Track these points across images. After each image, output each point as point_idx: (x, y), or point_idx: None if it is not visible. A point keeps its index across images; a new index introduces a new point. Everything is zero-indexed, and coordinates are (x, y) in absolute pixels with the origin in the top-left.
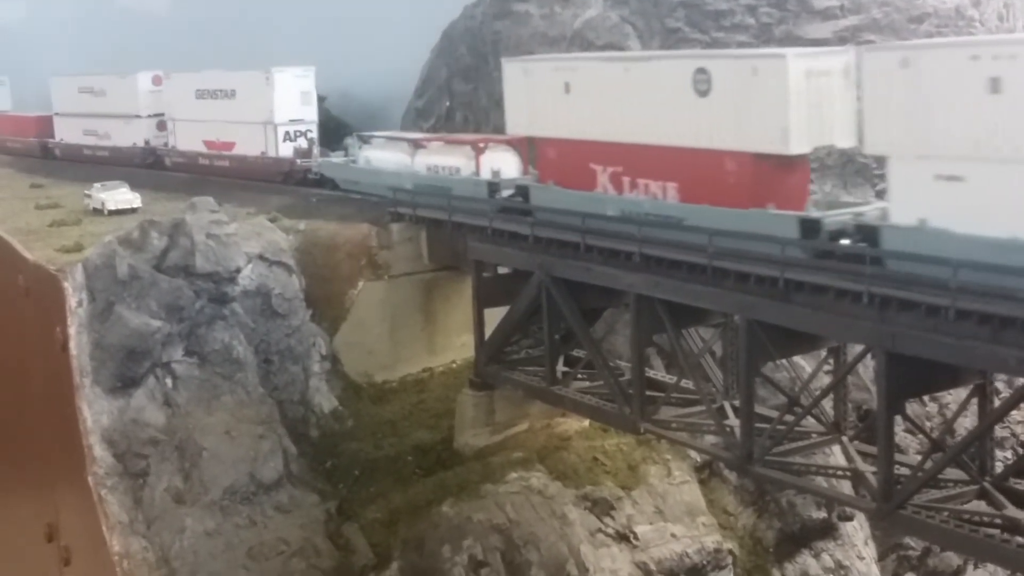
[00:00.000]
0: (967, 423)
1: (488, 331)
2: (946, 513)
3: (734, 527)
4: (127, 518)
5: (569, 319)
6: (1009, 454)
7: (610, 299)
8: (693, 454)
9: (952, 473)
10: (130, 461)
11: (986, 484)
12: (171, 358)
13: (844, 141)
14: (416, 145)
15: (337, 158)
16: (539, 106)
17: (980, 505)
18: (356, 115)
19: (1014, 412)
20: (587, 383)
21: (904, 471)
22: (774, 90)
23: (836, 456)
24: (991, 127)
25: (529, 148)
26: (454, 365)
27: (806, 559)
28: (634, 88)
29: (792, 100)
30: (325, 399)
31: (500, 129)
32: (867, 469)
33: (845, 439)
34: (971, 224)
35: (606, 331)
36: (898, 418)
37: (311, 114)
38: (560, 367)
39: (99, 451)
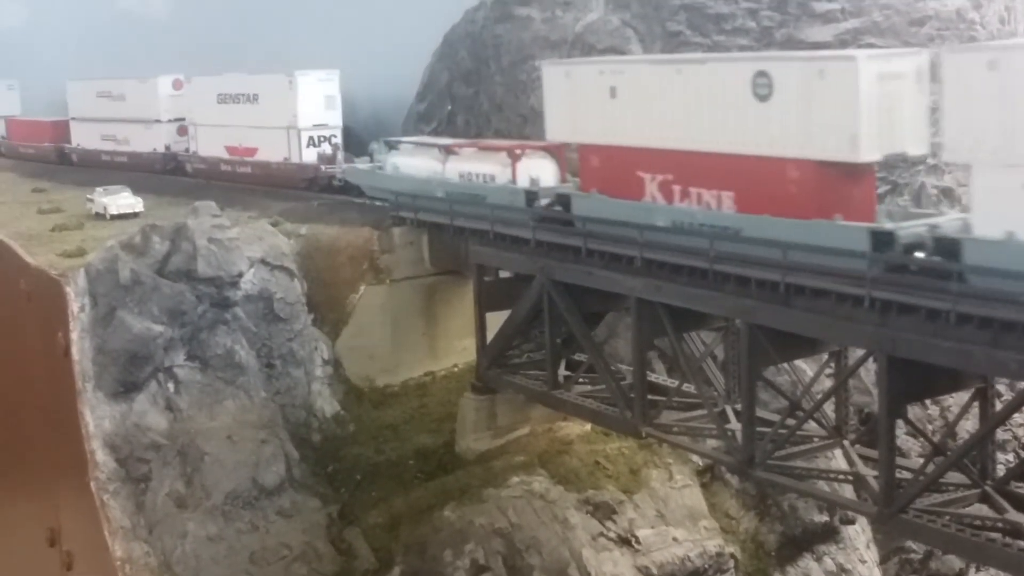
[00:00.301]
0: (968, 426)
1: (490, 335)
2: (948, 517)
3: (736, 531)
4: (129, 523)
5: (570, 323)
6: (1011, 457)
7: (611, 303)
8: (695, 458)
9: (954, 477)
10: (132, 466)
11: (988, 488)
12: (173, 363)
13: (915, 148)
14: (447, 151)
15: (363, 164)
16: (582, 111)
17: (982, 509)
18: (357, 119)
19: (1016, 415)
20: (589, 387)
21: (906, 475)
22: (843, 94)
23: (838, 460)
24: None
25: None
26: (456, 369)
27: (808, 563)
28: (687, 92)
29: (863, 105)
30: (327, 403)
31: (501, 133)
32: (869, 473)
33: (846, 443)
34: None
35: (607, 335)
36: (900, 422)
37: (335, 118)
38: (562, 371)
39: (101, 456)
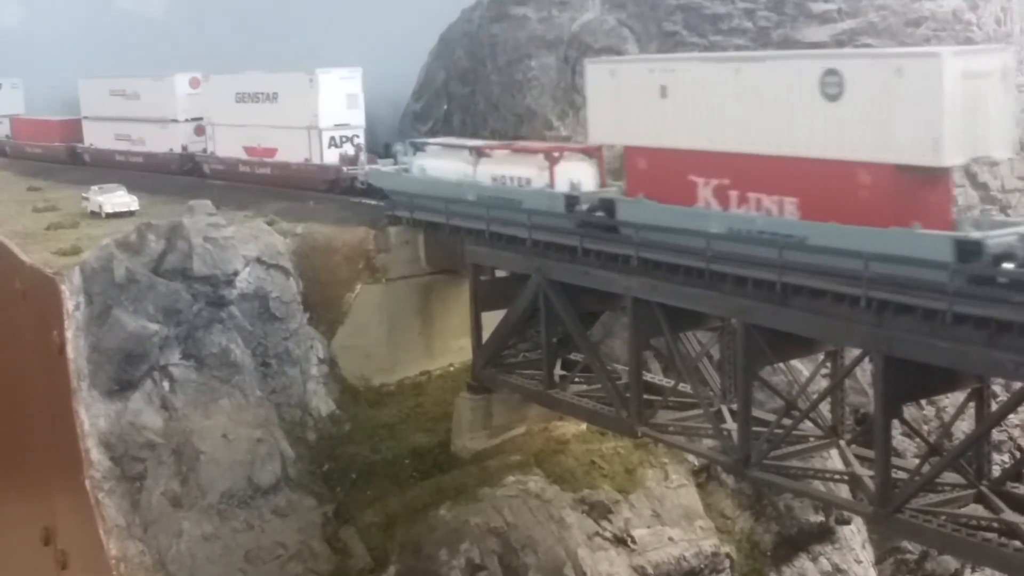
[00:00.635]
0: (964, 427)
1: (485, 334)
2: (943, 517)
3: (731, 531)
4: (124, 522)
5: (566, 322)
6: (1006, 458)
7: (607, 302)
8: (691, 458)
9: (949, 477)
10: (127, 464)
11: (983, 488)
12: (168, 361)
13: (1000, 151)
14: (479, 153)
15: (387, 166)
16: (629, 111)
17: (977, 509)
18: None
19: (1011, 416)
20: (584, 387)
21: (901, 475)
22: (925, 94)
23: (834, 460)
24: None
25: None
26: (451, 368)
27: (804, 563)
28: (746, 91)
29: (947, 105)
30: (323, 402)
31: (497, 133)
32: (864, 473)
33: (842, 443)
34: None
35: (603, 334)
36: (896, 422)
37: (358, 118)
38: (557, 370)
39: (96, 454)
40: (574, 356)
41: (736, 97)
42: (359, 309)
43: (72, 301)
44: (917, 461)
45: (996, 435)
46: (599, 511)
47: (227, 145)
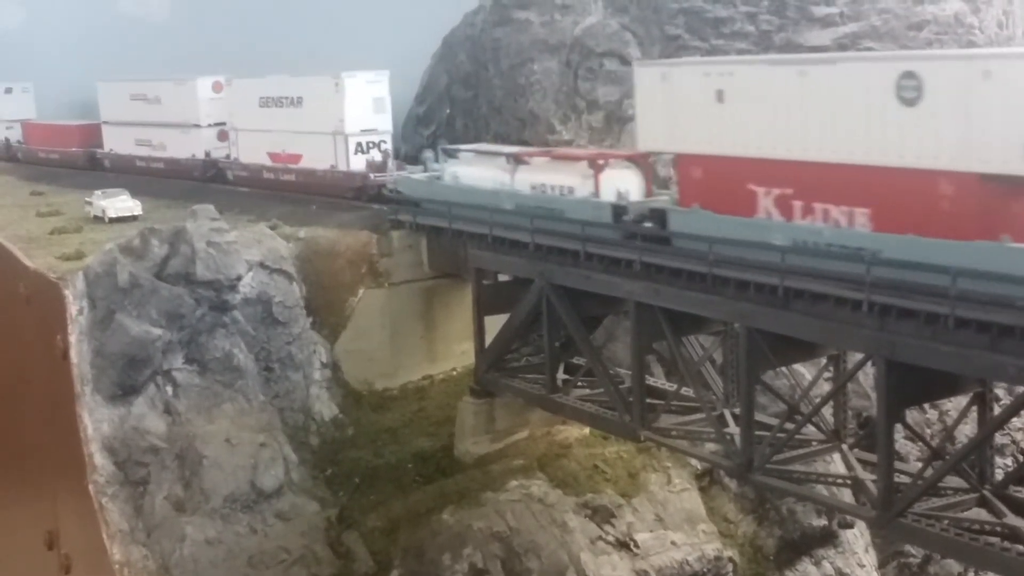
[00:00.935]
0: (967, 430)
1: (488, 339)
2: (946, 521)
3: (734, 535)
4: (127, 526)
5: (569, 327)
6: (1009, 461)
7: (610, 307)
8: (693, 462)
9: (952, 481)
10: (130, 469)
11: (986, 492)
12: (172, 366)
13: None
14: (517, 160)
15: (418, 174)
16: (682, 117)
17: (980, 513)
18: None
19: (1014, 419)
20: (587, 391)
21: (904, 479)
22: (1016, 97)
23: (836, 464)
24: None
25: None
26: (454, 373)
27: (807, 567)
28: (813, 96)
29: None
30: (325, 407)
31: (500, 137)
32: (867, 477)
33: (845, 447)
34: None
35: (606, 339)
36: (898, 426)
37: (385, 123)
38: (560, 375)
39: (99, 459)
40: (577, 360)
41: (801, 102)
42: (362, 313)
43: (76, 306)
44: (920, 465)
45: (999, 439)
46: (602, 515)
47: (251, 151)
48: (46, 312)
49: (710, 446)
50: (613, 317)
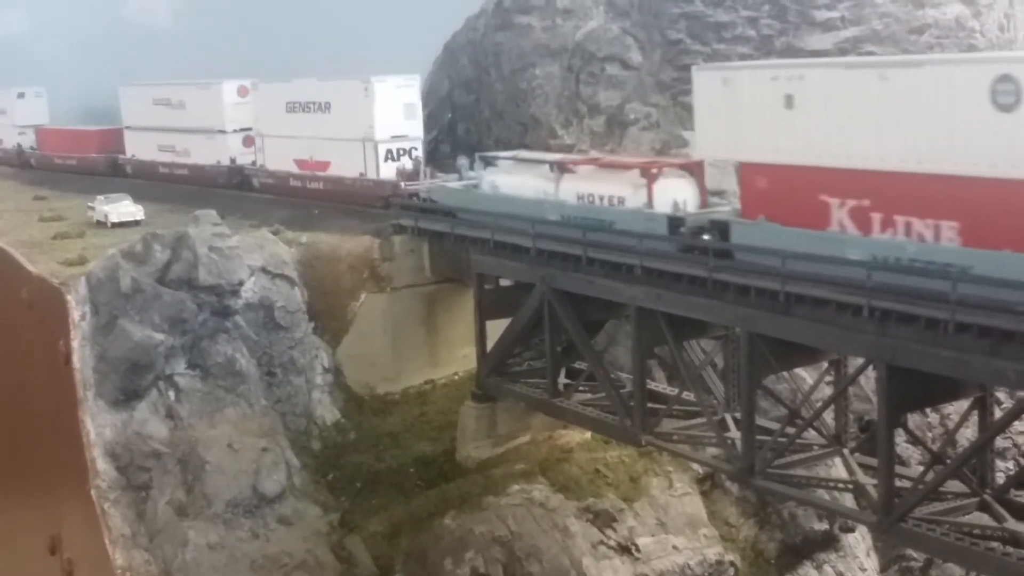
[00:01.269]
0: (968, 435)
1: (490, 343)
2: (947, 525)
3: (736, 539)
4: (130, 531)
5: (571, 331)
6: (1010, 466)
7: (611, 311)
8: (695, 466)
9: (953, 485)
10: (133, 474)
11: (987, 496)
12: (174, 371)
13: None
14: (561, 168)
15: (453, 183)
16: (746, 124)
17: (981, 517)
18: None
19: (1015, 423)
20: (589, 395)
21: (905, 483)
22: None
23: (837, 468)
24: None
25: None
26: (456, 377)
27: (808, 571)
28: (895, 101)
29: None
30: (327, 411)
31: (502, 142)
32: (868, 481)
33: (846, 451)
34: None
35: (607, 343)
36: (899, 430)
37: (416, 129)
38: (562, 379)
39: (102, 464)
40: (578, 365)
41: (881, 107)
42: (364, 318)
43: (78, 311)
44: (921, 469)
45: (1000, 443)
46: (603, 519)
47: (277, 158)
48: (48, 317)
49: (711, 450)
50: (615, 321)
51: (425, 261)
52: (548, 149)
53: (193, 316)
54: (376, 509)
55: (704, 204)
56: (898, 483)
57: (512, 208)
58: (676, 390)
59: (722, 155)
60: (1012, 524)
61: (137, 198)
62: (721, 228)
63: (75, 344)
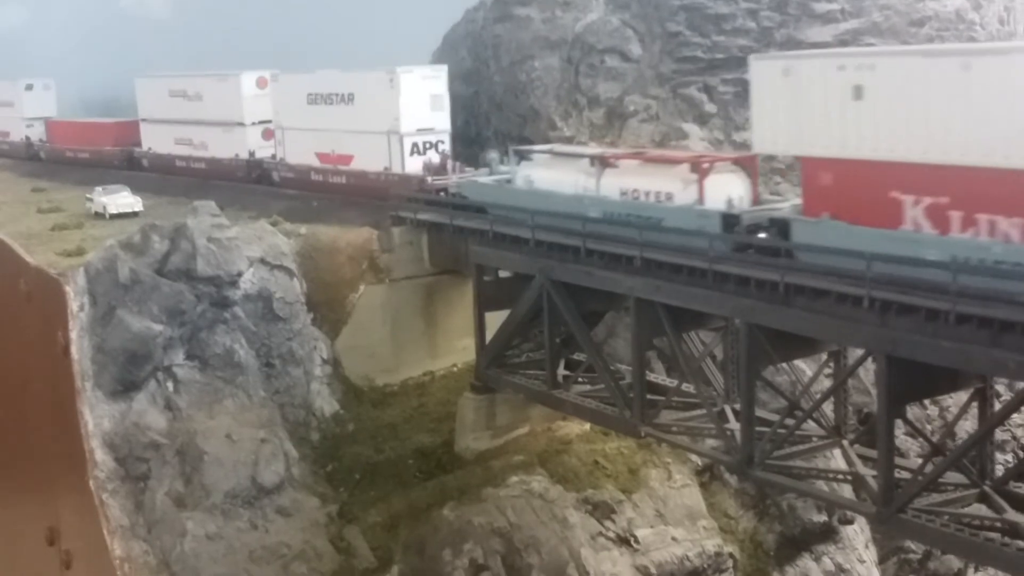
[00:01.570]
0: (967, 426)
1: (489, 335)
2: (946, 517)
3: (735, 530)
4: (128, 522)
5: (570, 323)
6: (1009, 457)
7: (611, 303)
8: (694, 458)
9: (952, 477)
10: (131, 465)
11: (986, 488)
12: (172, 362)
13: None
14: (602, 163)
15: (484, 177)
16: (809, 116)
17: (980, 509)
18: None
19: (1014, 415)
20: (588, 387)
21: (904, 475)
22: None
23: (837, 460)
24: None
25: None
26: (455, 369)
27: (807, 562)
28: (979, 91)
29: None
30: (326, 402)
31: (501, 134)
32: (867, 473)
33: (845, 443)
34: None
35: (607, 335)
36: (899, 421)
37: (443, 122)
38: (561, 371)
39: (100, 455)
40: (577, 356)
41: (964, 98)
42: (363, 309)
43: (76, 302)
44: (920, 461)
45: (999, 435)
46: (602, 511)
47: (298, 151)
48: (47, 308)
49: (711, 442)
50: (614, 313)
51: (424, 252)
52: (547, 141)
53: (192, 307)
54: (375, 500)
55: (756, 201)
56: (897, 474)
57: (549, 204)
58: (675, 381)
59: (782, 150)
60: (1012, 515)
61: (135, 189)
62: (781, 226)
63: (73, 335)
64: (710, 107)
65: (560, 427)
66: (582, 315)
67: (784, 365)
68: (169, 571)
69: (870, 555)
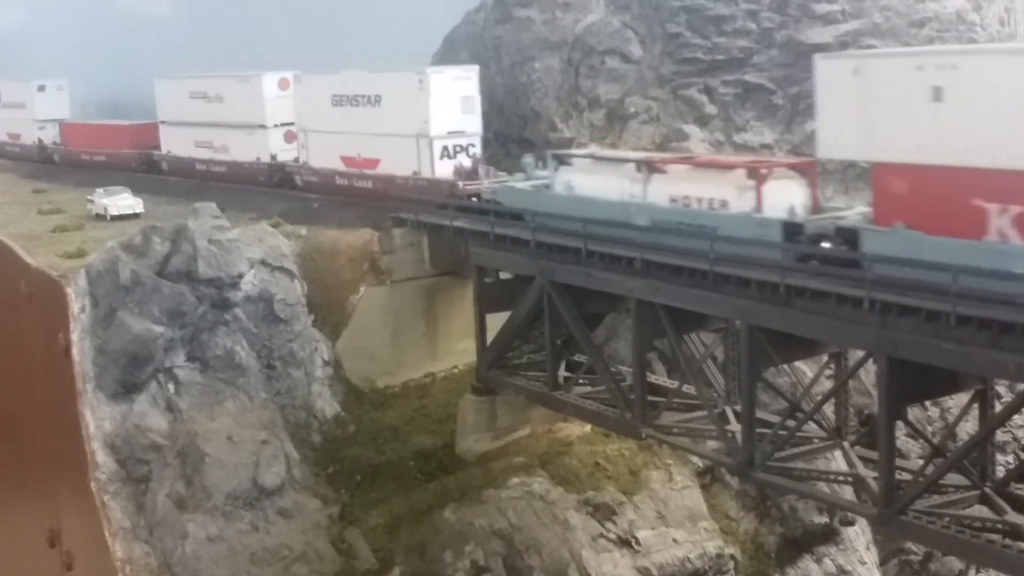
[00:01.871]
0: (968, 428)
1: (490, 336)
2: (947, 518)
3: (736, 532)
4: (129, 523)
5: (570, 324)
6: (1011, 458)
7: (611, 304)
8: (695, 459)
9: (953, 478)
10: (132, 467)
11: (987, 489)
12: (173, 363)
13: None
14: (649, 168)
15: (520, 183)
16: (882, 119)
17: (981, 510)
18: None
19: (1015, 416)
20: (589, 388)
21: (905, 476)
22: None
23: (838, 461)
24: None
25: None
26: (456, 370)
27: (808, 564)
28: None
29: None
30: (327, 404)
31: (501, 135)
32: (868, 474)
33: (846, 444)
34: None
35: (607, 336)
36: (899, 423)
37: (474, 125)
38: (562, 372)
39: (101, 457)
40: (578, 358)
41: None
42: (363, 311)
43: (77, 304)
44: (921, 462)
45: (1000, 436)
46: (603, 513)
47: (322, 154)
48: (48, 310)
49: (711, 443)
50: (615, 314)
51: (425, 254)
52: (548, 143)
53: (192, 309)
54: (376, 502)
55: (816, 208)
56: (898, 476)
57: (592, 211)
58: (676, 383)
59: (851, 154)
60: (1013, 517)
61: (136, 191)
62: (848, 236)
63: (74, 337)
64: (711, 108)
65: (561, 429)
66: (583, 317)
67: (785, 366)
68: (170, 573)
69: (871, 557)
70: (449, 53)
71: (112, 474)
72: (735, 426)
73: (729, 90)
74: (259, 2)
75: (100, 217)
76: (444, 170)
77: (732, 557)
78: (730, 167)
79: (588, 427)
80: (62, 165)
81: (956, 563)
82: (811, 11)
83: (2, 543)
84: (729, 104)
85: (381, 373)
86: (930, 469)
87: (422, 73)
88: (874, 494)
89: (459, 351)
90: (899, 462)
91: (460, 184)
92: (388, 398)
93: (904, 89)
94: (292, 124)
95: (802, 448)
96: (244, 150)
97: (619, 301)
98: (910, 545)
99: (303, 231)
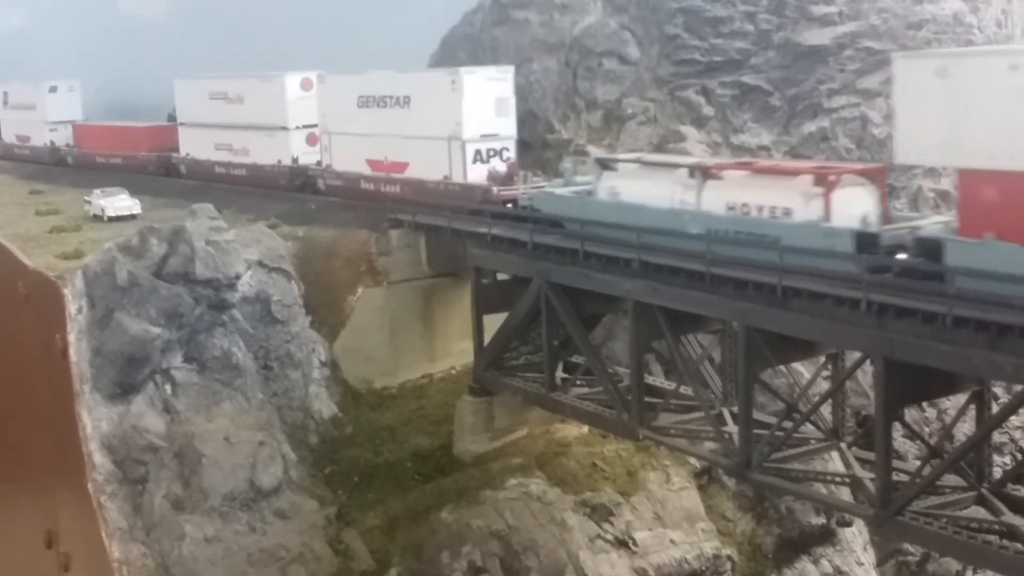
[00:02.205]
0: (965, 429)
1: (487, 337)
2: (944, 519)
3: (733, 533)
4: (126, 524)
5: (568, 325)
6: (1007, 460)
7: (609, 305)
8: (692, 460)
9: (950, 479)
10: (129, 467)
11: (984, 490)
12: (170, 365)
13: None
14: (704, 174)
15: (559, 189)
16: (971, 122)
17: (978, 511)
18: None
19: (1012, 418)
20: (586, 389)
21: (902, 477)
22: None
23: (835, 462)
24: None
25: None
26: (453, 371)
27: (805, 565)
28: None
29: None
30: (324, 405)
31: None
32: (865, 475)
33: (843, 445)
34: None
35: (605, 337)
36: (897, 424)
37: (509, 128)
38: (559, 373)
39: (99, 457)
40: (576, 359)
41: None
42: (361, 312)
43: (75, 304)
44: (918, 463)
45: (997, 437)
46: (601, 513)
47: (346, 157)
48: (45, 311)
49: (709, 444)
50: (612, 316)
51: (422, 255)
52: (545, 144)
53: (190, 310)
54: (373, 503)
55: (887, 218)
56: (895, 477)
57: (640, 219)
58: (673, 384)
59: (935, 160)
60: (1009, 518)
61: (133, 192)
62: (929, 247)
63: (71, 337)
64: (708, 110)
65: (558, 430)
66: (580, 318)
67: (782, 368)
68: (167, 574)
69: (868, 557)
70: (447, 55)
71: (109, 475)
72: (732, 427)
73: (726, 91)
74: (254, 5)
75: (97, 218)
76: (477, 175)
77: (729, 558)
78: (794, 173)
79: (585, 428)
80: (76, 167)
81: (953, 564)
82: (808, 13)
83: (0, 544)
84: (726, 105)
85: (378, 374)
86: (927, 470)
87: (455, 73)
88: (871, 495)
89: (456, 352)
90: (896, 463)
91: (494, 189)
92: (385, 399)
93: (996, 90)
94: (315, 126)
95: (799, 449)
96: (265, 153)
97: (617, 302)
98: (907, 546)
99: (300, 232)
